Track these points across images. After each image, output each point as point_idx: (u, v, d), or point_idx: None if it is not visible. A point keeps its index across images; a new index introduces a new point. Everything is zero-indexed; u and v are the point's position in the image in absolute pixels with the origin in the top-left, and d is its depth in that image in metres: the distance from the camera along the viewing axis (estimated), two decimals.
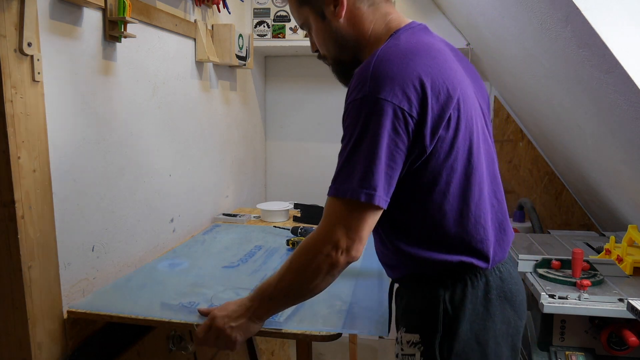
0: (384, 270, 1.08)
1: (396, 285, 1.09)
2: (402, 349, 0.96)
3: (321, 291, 0.95)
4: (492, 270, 0.95)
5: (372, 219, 0.87)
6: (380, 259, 1.07)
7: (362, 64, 0.88)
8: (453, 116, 0.86)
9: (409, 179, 0.89)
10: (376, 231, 0.97)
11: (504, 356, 0.96)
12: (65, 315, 1.20)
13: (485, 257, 0.93)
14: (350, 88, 0.88)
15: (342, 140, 0.89)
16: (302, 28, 1.06)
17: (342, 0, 0.95)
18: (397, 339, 0.99)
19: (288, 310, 1.16)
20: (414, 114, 0.83)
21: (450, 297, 0.92)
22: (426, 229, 0.92)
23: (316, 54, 1.08)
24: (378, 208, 0.86)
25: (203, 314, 1.10)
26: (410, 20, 1.00)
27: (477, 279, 0.93)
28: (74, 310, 1.20)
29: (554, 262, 1.50)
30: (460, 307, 0.91)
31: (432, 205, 0.90)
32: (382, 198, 0.85)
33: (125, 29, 1.35)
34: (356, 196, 0.84)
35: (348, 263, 0.89)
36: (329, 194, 0.89)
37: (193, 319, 1.13)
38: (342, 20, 0.97)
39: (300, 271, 0.92)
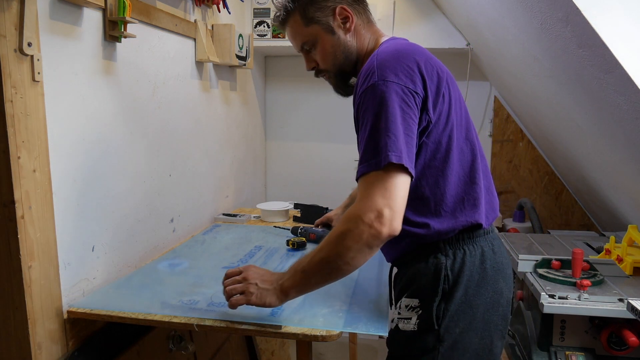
0: (383, 270, 1.10)
1: (395, 271, 1.14)
2: (399, 313, 1.04)
3: (355, 269, 0.97)
4: (486, 240, 1.05)
5: (405, 187, 0.93)
6: None
7: (365, 64, 1.02)
8: (445, 93, 1.01)
9: (417, 152, 0.99)
10: None
11: (492, 323, 1.03)
12: (65, 315, 1.20)
13: (480, 216, 1.04)
14: (359, 83, 1.00)
15: (361, 127, 0.98)
16: (302, 48, 1.17)
17: (352, 17, 1.11)
18: (396, 306, 1.05)
19: (288, 310, 1.16)
20: (418, 91, 0.96)
21: (451, 264, 1.01)
22: (432, 195, 1.01)
23: (312, 71, 1.20)
24: (407, 174, 0.93)
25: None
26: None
27: (474, 249, 1.03)
28: (74, 310, 1.20)
29: (554, 262, 1.50)
30: (460, 273, 1.00)
31: (435, 171, 1.01)
32: (408, 160, 0.92)
33: (125, 29, 1.35)
34: (386, 160, 0.90)
35: (389, 236, 0.92)
36: (358, 176, 0.95)
37: (193, 318, 1.13)
38: (349, 34, 1.12)
39: (340, 240, 0.94)
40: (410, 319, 1.01)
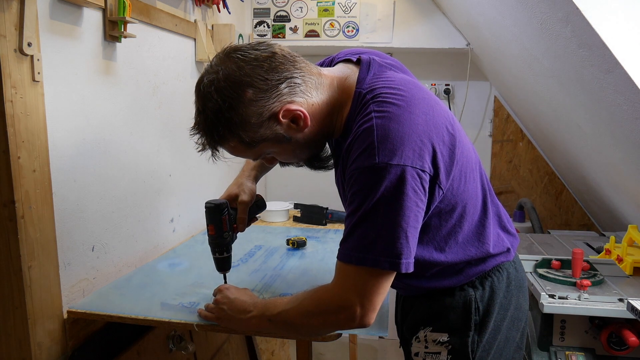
0: None
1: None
2: (426, 347, 0.99)
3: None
4: (512, 262, 1.01)
5: (388, 283, 0.86)
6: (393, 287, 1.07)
7: (359, 130, 0.84)
8: (457, 150, 0.88)
9: (432, 221, 0.91)
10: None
11: (511, 339, 1.01)
12: (65, 315, 1.20)
13: (507, 250, 1.00)
14: (353, 155, 0.83)
15: (350, 204, 0.84)
16: (255, 160, 1.02)
17: (303, 115, 0.88)
18: (416, 338, 1.01)
19: None
20: (427, 169, 0.82)
21: (480, 295, 0.97)
22: (454, 255, 0.95)
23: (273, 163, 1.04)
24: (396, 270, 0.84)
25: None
26: (345, 64, 0.97)
27: (501, 275, 0.99)
28: (74, 310, 1.20)
29: (554, 262, 1.50)
30: (490, 302, 0.97)
31: (453, 229, 0.94)
32: (408, 262, 0.83)
33: (125, 29, 1.35)
34: (379, 265, 0.81)
35: (358, 328, 0.88)
36: (341, 259, 0.85)
37: (193, 319, 1.13)
38: (307, 127, 0.90)
39: (308, 319, 0.93)
40: (440, 353, 0.98)
